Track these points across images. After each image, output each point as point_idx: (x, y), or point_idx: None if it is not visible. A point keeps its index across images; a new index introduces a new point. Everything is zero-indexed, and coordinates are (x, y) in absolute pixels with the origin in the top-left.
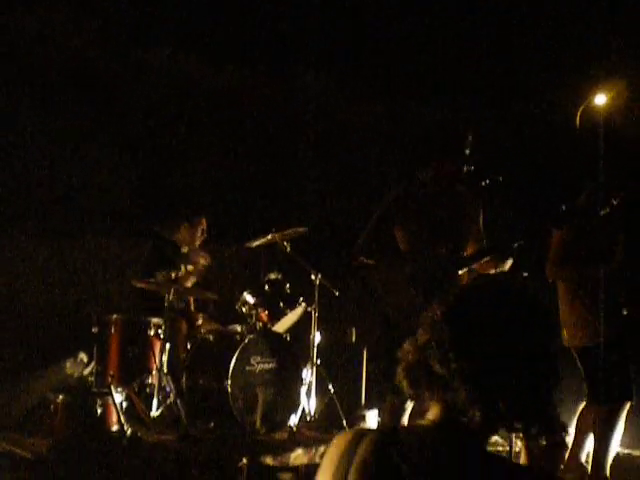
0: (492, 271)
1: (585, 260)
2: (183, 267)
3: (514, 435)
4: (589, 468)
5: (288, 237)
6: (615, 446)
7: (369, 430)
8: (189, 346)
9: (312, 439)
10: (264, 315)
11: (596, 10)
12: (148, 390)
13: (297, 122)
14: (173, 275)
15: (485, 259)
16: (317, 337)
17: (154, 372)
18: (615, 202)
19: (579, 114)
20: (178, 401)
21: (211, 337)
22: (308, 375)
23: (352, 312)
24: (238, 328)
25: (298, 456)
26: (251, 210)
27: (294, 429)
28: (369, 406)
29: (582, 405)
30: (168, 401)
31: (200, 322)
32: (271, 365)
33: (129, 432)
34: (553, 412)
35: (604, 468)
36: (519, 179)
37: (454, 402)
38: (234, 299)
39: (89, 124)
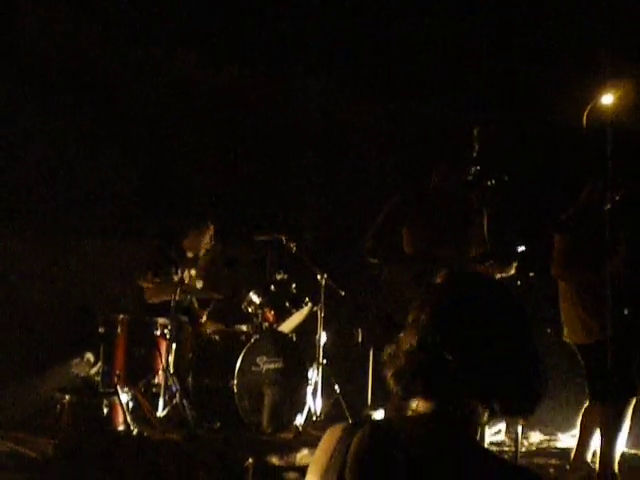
0: (497, 275)
1: (589, 261)
2: (187, 271)
3: (520, 435)
4: (596, 466)
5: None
6: (622, 442)
7: (361, 422)
8: (195, 346)
9: (318, 439)
10: (270, 315)
11: (602, 9)
12: (154, 390)
13: (297, 122)
14: (176, 278)
15: (489, 262)
16: (323, 337)
17: (160, 372)
18: (617, 197)
19: (586, 114)
20: (184, 401)
21: (217, 337)
22: (314, 375)
23: (358, 312)
24: (244, 328)
25: (304, 456)
26: (251, 210)
27: (300, 429)
28: (375, 406)
29: (586, 403)
30: (174, 401)
31: (204, 319)
32: (277, 365)
33: (135, 432)
34: (539, 389)
35: (612, 464)
36: (522, 179)
37: (448, 397)
38: (240, 299)
39: (92, 125)
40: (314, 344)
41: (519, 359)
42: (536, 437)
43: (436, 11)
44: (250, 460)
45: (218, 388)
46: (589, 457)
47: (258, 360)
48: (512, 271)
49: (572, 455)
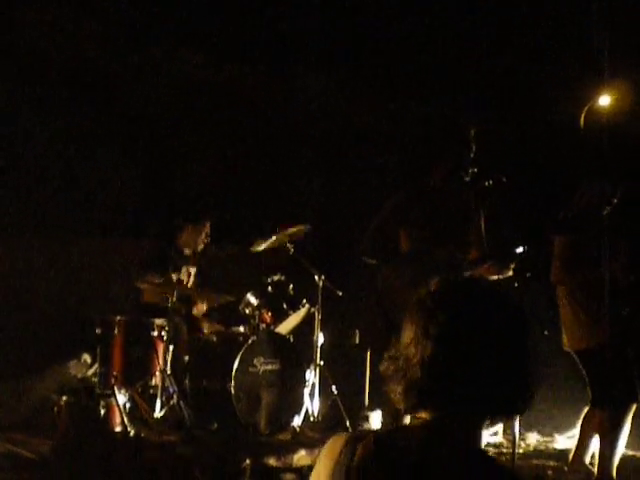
0: (495, 277)
1: (589, 263)
2: (186, 269)
3: (517, 437)
4: (594, 469)
5: (292, 237)
6: (621, 448)
7: (363, 433)
8: (192, 347)
9: (315, 440)
10: (267, 316)
11: (600, 9)
12: (151, 391)
13: (297, 122)
14: (174, 277)
15: (488, 264)
16: (320, 338)
17: (157, 373)
18: (615, 200)
19: (583, 115)
20: (181, 402)
21: (214, 338)
22: (311, 376)
23: (355, 313)
24: (241, 329)
25: (301, 457)
26: (251, 210)
27: (297, 430)
28: (372, 407)
29: (587, 407)
30: (171, 402)
31: (201, 304)
32: (274, 366)
33: (132, 433)
34: (534, 388)
35: (611, 470)
36: (522, 179)
37: (451, 408)
38: (237, 300)
39: (90, 124)
40: (311, 345)
41: (520, 364)
42: (534, 438)
43: (436, 11)
44: (247, 461)
45: (215, 389)
46: (587, 459)
47: (255, 361)
48: (510, 272)
49: (570, 457)
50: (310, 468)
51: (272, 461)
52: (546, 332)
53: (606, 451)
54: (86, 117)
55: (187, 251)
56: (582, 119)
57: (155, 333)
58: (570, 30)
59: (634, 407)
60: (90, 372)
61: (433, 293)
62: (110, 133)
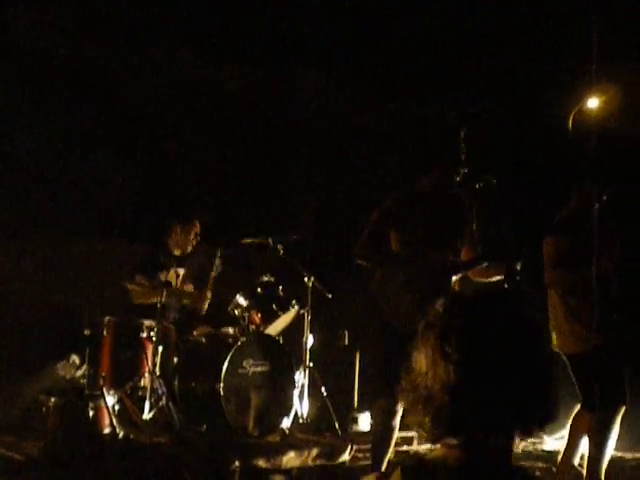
0: (486, 279)
1: (580, 262)
2: (173, 270)
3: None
4: (583, 471)
5: (283, 241)
6: (610, 450)
7: (389, 471)
8: (181, 349)
9: (304, 442)
10: (257, 318)
11: (590, 13)
12: (140, 393)
13: (297, 122)
14: (162, 278)
15: (480, 265)
16: (310, 340)
17: (146, 375)
18: (605, 197)
19: (572, 117)
20: (170, 404)
21: (203, 340)
22: (301, 378)
23: (344, 315)
24: (231, 331)
25: (290, 459)
26: (249, 211)
27: (287, 432)
28: (361, 408)
29: (576, 408)
30: (160, 404)
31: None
32: (264, 368)
33: (121, 435)
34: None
35: (599, 472)
36: (520, 180)
37: (483, 426)
38: (227, 301)
39: (85, 125)
40: (301, 347)
41: (541, 372)
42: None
43: (436, 11)
44: (237, 463)
45: (204, 391)
46: (576, 461)
47: (245, 363)
48: (501, 274)
49: (559, 458)
50: (299, 469)
51: (261, 462)
52: None
53: (595, 453)
54: (83, 118)
55: (176, 252)
56: (570, 122)
57: (144, 334)
58: (570, 30)
59: (623, 409)
60: (79, 373)
61: (442, 315)
62: (107, 134)
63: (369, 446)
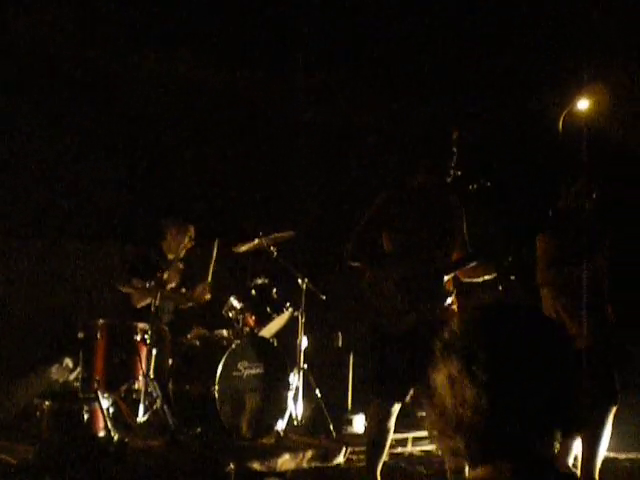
0: (475, 278)
1: (571, 260)
2: (168, 274)
3: None
4: (577, 472)
5: (276, 241)
6: (603, 450)
7: None
8: (176, 351)
9: (299, 444)
10: (251, 320)
11: (580, 14)
12: (134, 396)
13: (297, 122)
14: (157, 279)
15: (471, 265)
16: (304, 342)
17: (140, 378)
18: (594, 195)
19: (561, 119)
20: (165, 407)
21: (198, 342)
22: (295, 380)
23: (338, 316)
24: (225, 333)
25: (285, 461)
26: (251, 211)
27: (281, 434)
28: (355, 410)
29: None
30: (155, 407)
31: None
32: (258, 370)
33: (116, 438)
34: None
35: (593, 472)
36: (520, 180)
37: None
38: (221, 304)
39: (76, 128)
40: (295, 349)
41: (571, 378)
42: None
43: (436, 11)
44: (231, 465)
45: (199, 394)
46: (570, 461)
47: (239, 365)
48: (494, 274)
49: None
50: (294, 472)
51: (256, 465)
52: None
53: (589, 454)
54: (73, 121)
55: (170, 256)
56: (560, 123)
57: (138, 337)
58: (571, 31)
59: (615, 409)
60: (72, 377)
61: (463, 332)
62: (103, 135)
63: (364, 448)
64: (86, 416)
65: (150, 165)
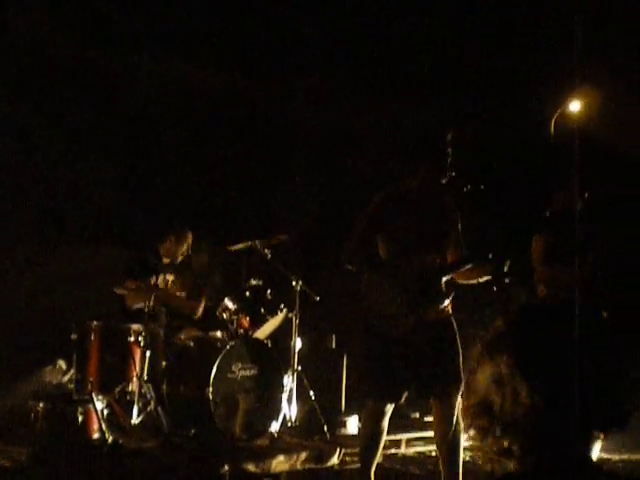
0: (471, 280)
1: (565, 260)
2: (163, 277)
3: None
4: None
5: (270, 244)
6: (596, 451)
7: None
8: (169, 353)
9: (293, 445)
10: (245, 321)
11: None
12: (128, 397)
13: (297, 123)
14: (152, 282)
15: (467, 266)
16: (298, 343)
17: (134, 379)
18: (586, 195)
19: (553, 121)
20: (159, 408)
21: (192, 344)
22: (289, 381)
23: (332, 318)
24: (219, 334)
25: (279, 462)
26: (251, 211)
27: (275, 435)
28: (349, 412)
29: None
30: (149, 408)
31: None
32: (252, 372)
33: (110, 439)
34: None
35: None
36: (519, 180)
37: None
38: (215, 305)
39: (72, 132)
40: (289, 350)
41: (616, 372)
42: None
43: (436, 11)
44: (226, 467)
45: (193, 395)
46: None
47: (233, 367)
48: (489, 274)
49: None
50: (288, 473)
51: (250, 466)
52: None
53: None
54: (68, 124)
55: (166, 260)
56: (552, 125)
57: (132, 338)
58: (570, 31)
59: None
60: (65, 378)
61: (509, 333)
62: (93, 140)
63: (358, 449)
64: (80, 418)
65: (149, 165)
